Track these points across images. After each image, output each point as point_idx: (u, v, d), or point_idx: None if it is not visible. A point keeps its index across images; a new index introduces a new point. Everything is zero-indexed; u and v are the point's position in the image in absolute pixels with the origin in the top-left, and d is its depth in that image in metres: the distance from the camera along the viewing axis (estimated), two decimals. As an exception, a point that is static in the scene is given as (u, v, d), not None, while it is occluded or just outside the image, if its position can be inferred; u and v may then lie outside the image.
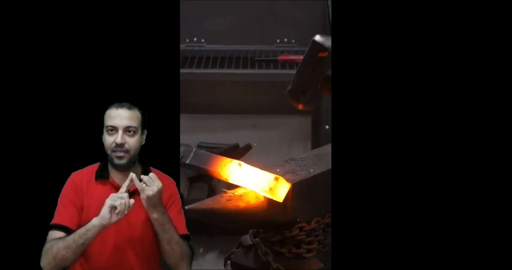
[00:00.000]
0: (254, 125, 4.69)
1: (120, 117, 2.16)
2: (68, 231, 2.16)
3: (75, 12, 2.44)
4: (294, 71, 4.07)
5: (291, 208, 2.08)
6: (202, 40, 4.37)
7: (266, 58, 4.18)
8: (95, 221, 2.07)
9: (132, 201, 2.08)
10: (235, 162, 2.04)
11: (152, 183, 2.10)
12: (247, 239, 2.32)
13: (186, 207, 1.94)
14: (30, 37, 2.42)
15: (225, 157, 2.12)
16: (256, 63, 4.19)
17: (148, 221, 2.21)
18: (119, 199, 2.07)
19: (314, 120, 4.69)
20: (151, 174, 2.12)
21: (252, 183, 2.01)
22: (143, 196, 2.09)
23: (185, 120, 4.63)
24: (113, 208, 2.07)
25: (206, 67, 4.08)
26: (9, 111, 2.42)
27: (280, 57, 4.15)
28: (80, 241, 2.09)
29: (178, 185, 2.37)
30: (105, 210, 2.07)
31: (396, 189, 1.74)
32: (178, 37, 2.53)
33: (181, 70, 3.93)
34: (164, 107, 2.37)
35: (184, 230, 2.28)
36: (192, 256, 2.28)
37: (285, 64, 4.13)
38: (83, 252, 2.17)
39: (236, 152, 4.21)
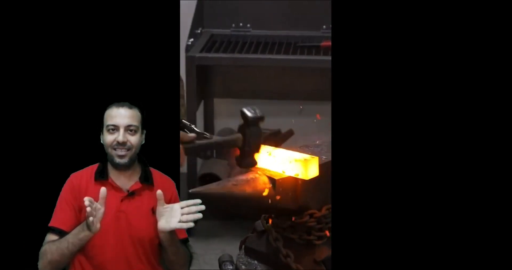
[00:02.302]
0: (299, 111, 4.65)
1: (121, 116, 2.16)
2: (62, 233, 2.18)
3: (75, 11, 2.44)
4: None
5: (301, 195, 2.08)
6: (248, 25, 4.37)
7: (309, 44, 4.15)
8: (87, 231, 2.08)
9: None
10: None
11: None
12: (261, 224, 2.33)
13: (190, 191, 1.93)
14: (30, 38, 2.43)
15: None
16: (299, 49, 4.16)
17: (148, 221, 2.21)
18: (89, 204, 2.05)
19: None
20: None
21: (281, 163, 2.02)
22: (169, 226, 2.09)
23: (229, 105, 4.66)
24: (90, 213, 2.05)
25: (250, 52, 4.08)
26: (8, 112, 2.42)
27: (322, 43, 4.11)
28: (74, 249, 2.13)
29: (178, 186, 2.36)
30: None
31: (396, 189, 1.72)
32: (178, 37, 2.54)
33: (226, 55, 3.96)
34: (164, 107, 2.37)
35: (184, 234, 2.28)
36: (191, 259, 2.29)
37: (327, 50, 4.09)
38: (84, 252, 2.20)
39: (279, 137, 4.19)
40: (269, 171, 2.08)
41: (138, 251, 2.23)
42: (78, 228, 2.11)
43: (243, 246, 2.36)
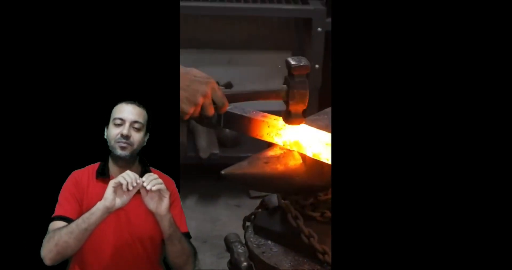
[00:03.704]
0: (228, 61, 4.49)
1: (129, 111, 2.16)
2: (69, 221, 2.08)
3: (74, 11, 2.39)
4: (275, 5, 3.93)
5: (327, 171, 1.89)
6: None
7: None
8: (99, 204, 2.01)
9: (140, 179, 1.99)
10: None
11: (153, 178, 2.01)
12: (272, 200, 2.14)
13: (222, 172, 1.77)
14: (30, 37, 2.37)
15: (268, 117, 1.94)
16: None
17: (148, 220, 2.11)
18: (126, 176, 1.98)
19: (295, 55, 4.49)
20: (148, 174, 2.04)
21: (307, 145, 1.87)
22: (161, 188, 2.00)
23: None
24: (117, 187, 1.98)
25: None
26: (10, 111, 2.36)
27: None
28: (83, 226, 2.01)
29: (178, 185, 2.29)
30: (109, 191, 1.98)
31: (397, 187, 1.62)
32: (178, 37, 2.43)
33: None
34: (164, 107, 2.30)
35: (185, 229, 2.20)
36: (195, 255, 2.19)
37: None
38: (83, 250, 2.11)
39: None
40: (300, 148, 1.91)
41: (138, 249, 2.16)
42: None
43: (248, 224, 2.16)
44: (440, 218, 1.60)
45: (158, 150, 2.28)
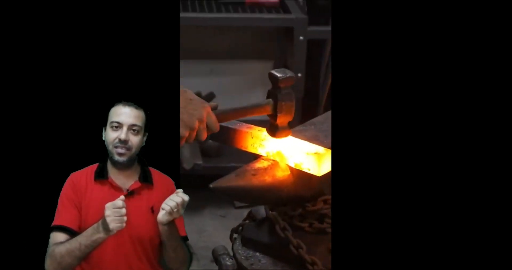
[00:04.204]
0: (210, 71, 4.48)
1: (126, 114, 2.15)
2: (69, 232, 2.12)
3: (73, 10, 2.36)
4: (256, 15, 3.92)
5: (316, 182, 1.92)
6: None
7: (233, 0, 3.92)
8: (102, 233, 2.03)
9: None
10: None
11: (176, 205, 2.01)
12: (259, 211, 2.13)
13: (211, 185, 1.76)
14: (29, 37, 2.34)
15: (252, 128, 1.94)
16: (222, 6, 3.94)
17: (148, 220, 2.13)
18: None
19: (277, 65, 4.50)
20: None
21: (289, 155, 1.85)
22: (168, 218, 2.02)
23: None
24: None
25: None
26: (8, 112, 2.34)
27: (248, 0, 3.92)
28: (86, 251, 2.07)
29: (178, 185, 2.27)
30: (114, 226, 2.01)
31: (397, 188, 1.63)
32: (178, 37, 2.41)
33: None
34: (164, 107, 2.29)
35: (183, 232, 2.20)
36: (191, 258, 2.21)
37: (254, 8, 3.91)
38: None
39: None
40: (282, 158, 1.91)
41: (137, 250, 2.16)
42: (92, 229, 2.05)
43: (235, 236, 2.15)
44: (442, 235, 1.60)
45: (158, 150, 2.27)
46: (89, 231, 2.04)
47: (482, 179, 1.59)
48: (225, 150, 4.13)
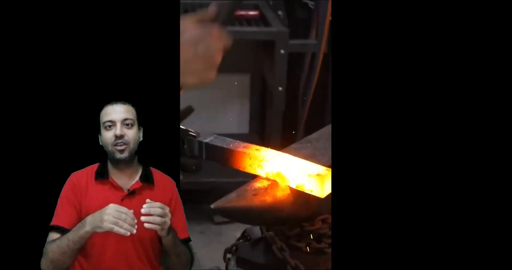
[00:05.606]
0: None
1: (116, 111, 2.20)
2: (65, 232, 2.15)
3: (72, 10, 2.39)
4: (236, 28, 3.88)
5: (314, 201, 1.86)
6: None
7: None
8: (88, 227, 2.06)
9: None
10: (267, 151, 1.81)
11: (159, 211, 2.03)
12: (254, 230, 2.08)
13: (212, 206, 1.71)
14: (28, 37, 2.38)
15: (249, 148, 1.90)
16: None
17: None
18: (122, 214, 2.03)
19: (254, 77, 4.47)
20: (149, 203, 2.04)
21: (290, 177, 1.81)
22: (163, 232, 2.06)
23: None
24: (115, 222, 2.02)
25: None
26: (7, 112, 2.38)
27: (237, 13, 3.88)
28: (75, 247, 2.11)
29: (178, 186, 2.31)
30: (107, 225, 2.02)
31: (399, 194, 1.61)
32: (178, 37, 2.40)
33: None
34: (163, 106, 2.34)
35: (186, 233, 2.28)
36: (192, 259, 2.26)
37: (241, 20, 3.87)
38: (83, 252, 2.17)
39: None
40: (283, 179, 1.86)
41: (138, 250, 2.20)
42: (78, 225, 2.10)
43: (228, 256, 2.10)
44: (444, 254, 1.59)
45: (158, 150, 2.30)
46: (76, 226, 2.09)
47: (482, 189, 1.58)
48: (203, 165, 4.08)
